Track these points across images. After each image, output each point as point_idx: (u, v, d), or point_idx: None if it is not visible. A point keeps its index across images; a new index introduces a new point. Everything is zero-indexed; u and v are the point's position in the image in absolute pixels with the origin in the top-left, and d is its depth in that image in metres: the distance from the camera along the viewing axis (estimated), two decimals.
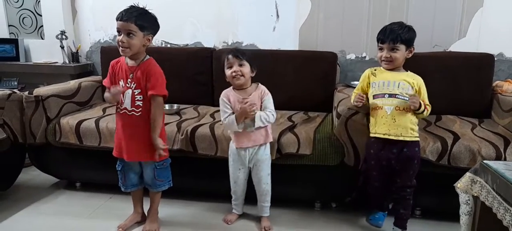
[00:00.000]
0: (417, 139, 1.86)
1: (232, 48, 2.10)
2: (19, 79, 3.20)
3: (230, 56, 1.92)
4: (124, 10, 1.78)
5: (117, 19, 1.77)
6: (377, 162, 1.92)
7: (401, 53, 1.83)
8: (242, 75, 1.91)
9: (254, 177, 2.05)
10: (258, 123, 1.89)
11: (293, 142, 2.11)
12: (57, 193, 2.52)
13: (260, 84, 2.01)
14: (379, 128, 1.86)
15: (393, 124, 1.83)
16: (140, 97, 1.86)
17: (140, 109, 1.87)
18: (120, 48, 1.79)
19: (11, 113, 2.33)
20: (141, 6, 1.82)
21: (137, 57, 1.86)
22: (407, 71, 1.92)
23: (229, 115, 1.93)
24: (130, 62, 1.87)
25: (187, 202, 2.38)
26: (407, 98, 1.81)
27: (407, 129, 1.82)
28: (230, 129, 1.95)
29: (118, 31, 1.78)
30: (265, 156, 2.01)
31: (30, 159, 2.57)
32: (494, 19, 2.69)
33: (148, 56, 1.90)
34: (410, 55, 1.87)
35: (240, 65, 1.91)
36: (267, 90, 1.99)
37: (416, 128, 1.85)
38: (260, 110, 1.95)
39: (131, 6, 1.81)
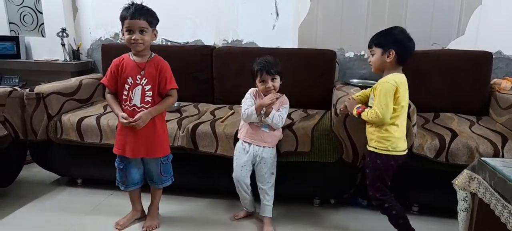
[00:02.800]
0: (374, 149, 1.79)
1: (265, 61, 1.97)
2: (20, 77, 3.21)
3: (264, 73, 1.96)
4: (131, 8, 1.78)
5: (125, 18, 1.78)
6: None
7: (377, 56, 1.77)
8: (274, 89, 1.99)
9: (257, 174, 2.05)
10: (269, 118, 1.95)
11: (291, 139, 2.12)
12: (58, 190, 2.54)
13: (284, 95, 2.07)
14: None
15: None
16: (150, 93, 1.87)
17: (150, 105, 1.88)
18: (132, 45, 1.81)
19: (12, 111, 2.34)
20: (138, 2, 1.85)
21: (144, 54, 1.88)
22: (388, 74, 1.76)
23: (249, 107, 1.98)
24: (138, 59, 1.88)
25: (188, 198, 2.40)
26: (370, 108, 1.80)
27: (369, 139, 1.84)
28: (249, 120, 1.99)
29: (129, 30, 1.79)
30: (271, 155, 2.04)
31: (31, 156, 2.58)
32: (493, 17, 2.70)
33: (153, 53, 1.92)
34: (390, 58, 1.72)
35: (273, 79, 1.97)
36: (287, 101, 2.07)
37: (376, 137, 1.77)
38: None
39: (134, 3, 1.82)
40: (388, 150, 1.76)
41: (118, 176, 2.04)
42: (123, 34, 1.83)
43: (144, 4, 1.84)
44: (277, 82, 2.00)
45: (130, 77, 1.87)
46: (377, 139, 1.77)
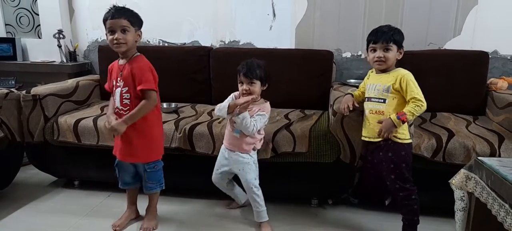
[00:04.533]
0: (399, 140, 1.79)
1: (248, 63, 1.95)
2: (16, 79, 3.19)
3: (242, 75, 1.95)
4: (112, 9, 1.80)
5: (106, 19, 1.79)
6: (367, 161, 1.98)
7: (393, 53, 1.80)
8: (252, 93, 1.95)
9: (241, 180, 2.03)
10: (239, 118, 1.88)
11: (288, 140, 2.12)
12: (55, 192, 2.53)
13: (267, 103, 2.03)
14: (364, 130, 1.90)
15: (368, 126, 1.86)
16: (127, 96, 1.87)
17: (128, 108, 1.87)
18: (115, 45, 1.81)
19: (8, 112, 2.33)
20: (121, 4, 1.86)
21: (128, 55, 1.87)
22: (396, 69, 1.84)
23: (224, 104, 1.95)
24: (121, 61, 1.89)
25: (185, 199, 2.39)
26: (382, 101, 1.81)
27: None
28: (219, 113, 1.95)
29: (112, 30, 1.79)
30: (249, 161, 2.00)
31: (28, 158, 2.57)
32: (489, 17, 2.71)
33: (137, 53, 1.90)
34: (400, 56, 1.83)
35: (250, 83, 1.95)
36: (267, 110, 2.00)
37: (401, 130, 1.78)
38: None
39: (115, 5, 1.83)
40: (407, 138, 1.81)
41: (116, 172, 2.08)
42: (107, 37, 1.84)
43: (126, 6, 1.85)
44: (256, 87, 1.95)
45: (114, 80, 1.90)
46: (400, 131, 1.79)
